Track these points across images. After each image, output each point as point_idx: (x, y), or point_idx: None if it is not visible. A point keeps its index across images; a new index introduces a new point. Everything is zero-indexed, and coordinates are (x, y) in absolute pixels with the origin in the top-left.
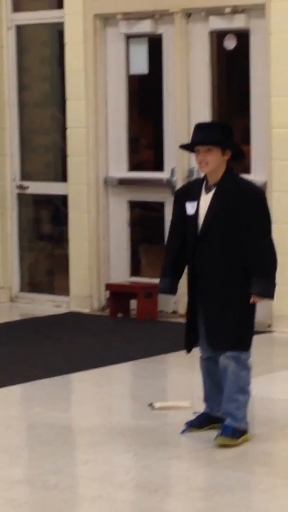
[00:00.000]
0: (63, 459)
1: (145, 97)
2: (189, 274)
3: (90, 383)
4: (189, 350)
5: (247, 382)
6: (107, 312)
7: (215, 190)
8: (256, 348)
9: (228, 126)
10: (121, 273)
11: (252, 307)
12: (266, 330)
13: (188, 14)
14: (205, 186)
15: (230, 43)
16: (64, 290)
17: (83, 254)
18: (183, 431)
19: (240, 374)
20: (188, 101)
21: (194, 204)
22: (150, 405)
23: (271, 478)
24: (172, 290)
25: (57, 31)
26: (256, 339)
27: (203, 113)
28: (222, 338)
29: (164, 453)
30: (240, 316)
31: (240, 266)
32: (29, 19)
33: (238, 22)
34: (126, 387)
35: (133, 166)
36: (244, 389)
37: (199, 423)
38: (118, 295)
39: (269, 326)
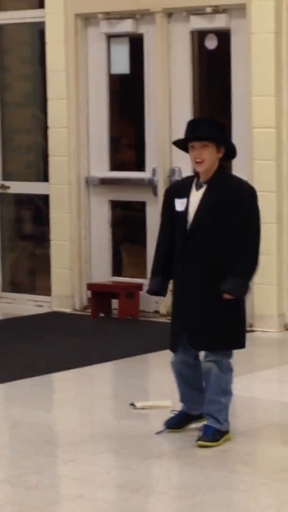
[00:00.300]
0: (44, 459)
1: (127, 96)
2: (176, 273)
3: (71, 383)
4: (175, 351)
5: (229, 383)
6: (88, 311)
7: (206, 187)
8: None
9: (221, 123)
10: (102, 273)
11: (238, 308)
12: (248, 329)
13: (169, 14)
14: (196, 183)
15: (211, 43)
16: (45, 290)
17: (64, 254)
18: (160, 432)
19: (223, 376)
20: (169, 100)
21: (184, 200)
22: (132, 404)
23: (252, 477)
24: (163, 291)
25: (38, 31)
26: None
27: (184, 113)
28: (206, 339)
29: (145, 453)
30: (229, 317)
31: (229, 265)
32: (10, 19)
33: (219, 22)
34: (107, 386)
35: (114, 166)
36: (226, 391)
37: (177, 423)
38: (99, 295)
39: (251, 325)
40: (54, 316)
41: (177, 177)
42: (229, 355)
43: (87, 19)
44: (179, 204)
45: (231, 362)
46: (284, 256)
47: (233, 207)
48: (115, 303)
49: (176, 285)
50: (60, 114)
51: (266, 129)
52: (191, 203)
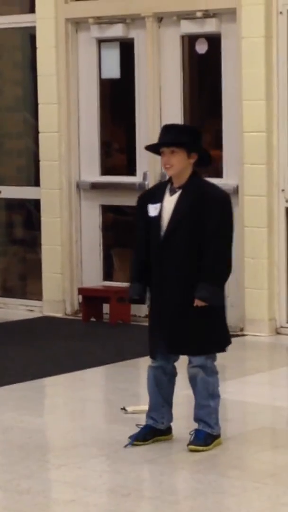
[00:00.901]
0: (36, 464)
1: (117, 101)
2: (153, 279)
3: (63, 388)
4: (154, 356)
5: (216, 386)
6: (80, 316)
7: (180, 193)
8: (229, 351)
9: (196, 129)
10: (93, 277)
11: (218, 311)
12: (239, 333)
13: (160, 18)
14: (170, 188)
15: (201, 47)
16: (36, 294)
17: (55, 258)
18: (127, 445)
19: (209, 380)
20: (160, 105)
21: (158, 205)
22: (123, 409)
23: (243, 481)
24: (143, 297)
25: (29, 36)
26: None
27: (175, 117)
28: (183, 344)
29: (136, 457)
30: (203, 321)
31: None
32: (1, 23)
33: (210, 26)
34: (98, 391)
35: (105, 170)
36: (213, 394)
37: (143, 436)
38: (90, 299)
39: (242, 329)
40: (46, 321)
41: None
42: (213, 358)
43: (78, 24)
44: (153, 210)
45: (215, 365)
46: (275, 260)
47: (206, 213)
48: (106, 307)
49: (152, 292)
50: (51, 119)
51: (257, 133)
52: (164, 208)
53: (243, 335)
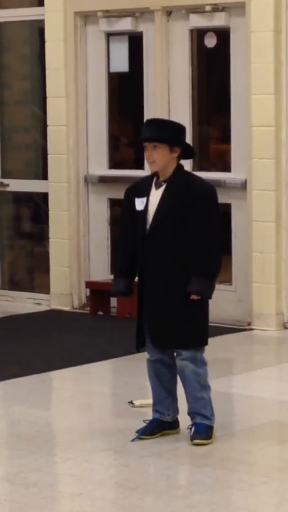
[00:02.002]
0: (43, 457)
1: (126, 95)
2: (139, 273)
3: (70, 381)
4: (138, 349)
5: (205, 376)
6: (87, 310)
7: (166, 186)
8: (236, 346)
9: (177, 124)
10: (101, 271)
11: (202, 304)
12: (246, 328)
13: (169, 12)
14: (155, 182)
15: (210, 41)
16: (44, 288)
17: (63, 252)
18: (134, 439)
19: (199, 372)
20: (168, 99)
21: (144, 199)
22: (130, 402)
23: (250, 476)
24: (128, 291)
25: (38, 29)
26: (236, 337)
27: (183, 111)
28: (170, 338)
29: (143, 451)
30: (190, 314)
31: (185, 266)
32: (9, 17)
33: (219, 20)
34: (106, 385)
35: (113, 164)
36: (205, 385)
37: (150, 430)
38: (98, 293)
39: (249, 324)
40: (53, 314)
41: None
42: (202, 350)
43: (87, 17)
44: (139, 203)
45: (204, 356)
46: (283, 255)
47: (191, 206)
48: (113, 301)
49: (139, 285)
50: (59, 112)
51: (265, 127)
52: (150, 202)
53: (250, 329)
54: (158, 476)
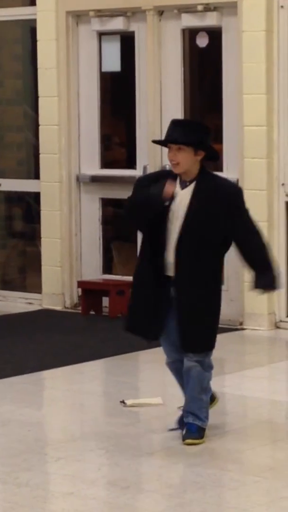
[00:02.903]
0: (35, 457)
1: (118, 94)
2: (152, 268)
3: (62, 381)
4: (151, 340)
5: (209, 380)
6: (79, 309)
7: (194, 188)
8: (228, 345)
9: (204, 126)
10: (93, 271)
11: (219, 309)
12: (238, 327)
13: (161, 12)
14: (180, 181)
15: (202, 41)
16: (36, 287)
17: (55, 251)
18: (174, 429)
19: (205, 375)
20: (160, 98)
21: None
22: (122, 402)
23: (242, 475)
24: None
25: (30, 28)
26: (228, 337)
27: (175, 111)
28: (196, 342)
29: (135, 450)
30: (210, 320)
31: (212, 268)
32: (1, 16)
33: (210, 20)
34: (98, 384)
35: (105, 164)
36: (206, 389)
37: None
38: (90, 293)
39: (241, 323)
40: (45, 314)
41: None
42: (211, 354)
43: (79, 16)
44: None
45: (212, 360)
46: (274, 254)
47: (225, 209)
48: (105, 300)
49: (153, 281)
50: (51, 112)
51: (257, 127)
52: (175, 201)
53: (242, 329)
54: (150, 475)
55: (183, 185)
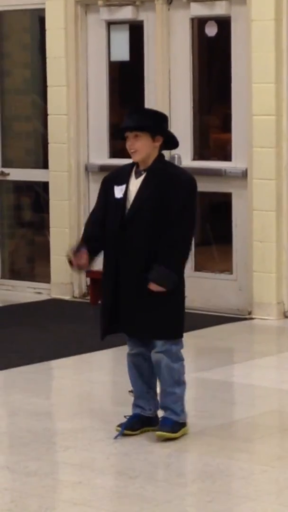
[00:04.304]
0: (43, 446)
1: (126, 84)
2: (109, 262)
3: (70, 370)
4: (103, 337)
5: (181, 373)
6: (87, 299)
7: (145, 176)
8: (237, 335)
9: (160, 112)
10: (101, 260)
11: (179, 296)
12: (247, 317)
13: (170, 1)
14: (136, 170)
15: (211, 30)
16: (45, 277)
17: (64, 241)
18: (116, 436)
19: (174, 366)
20: (169, 88)
21: (123, 187)
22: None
23: (251, 464)
24: (88, 263)
25: (38, 17)
26: (236, 326)
27: (184, 100)
28: (149, 328)
29: (144, 440)
30: (168, 306)
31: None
32: (10, 5)
33: (220, 9)
34: (106, 373)
35: (114, 153)
36: (179, 381)
37: (131, 425)
38: (98, 282)
39: (250, 313)
40: (53, 303)
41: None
42: (178, 344)
43: (87, 5)
44: (118, 191)
45: (181, 352)
46: (283, 244)
47: (170, 196)
48: None
49: (108, 274)
50: (60, 101)
51: (266, 116)
52: (129, 190)
53: (251, 318)
54: (159, 465)
55: (138, 174)
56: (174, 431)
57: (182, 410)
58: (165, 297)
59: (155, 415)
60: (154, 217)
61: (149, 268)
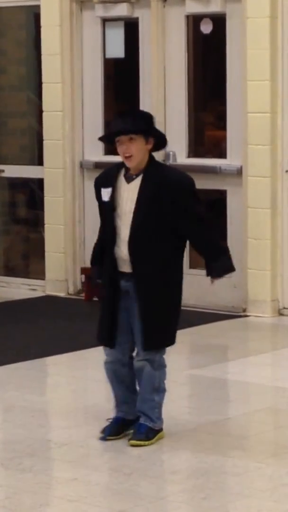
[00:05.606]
0: (38, 442)
1: (121, 81)
2: (108, 266)
3: (65, 367)
4: (112, 346)
5: (162, 380)
6: (82, 296)
7: (142, 181)
8: (231, 332)
9: (149, 114)
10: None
11: (180, 303)
12: (242, 314)
13: None
14: (125, 175)
15: (206, 27)
16: (39, 273)
17: (58, 237)
18: (103, 438)
19: (155, 374)
20: (164, 85)
21: (109, 190)
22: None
23: (245, 461)
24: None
25: (33, 14)
26: (231, 324)
27: (179, 97)
28: (157, 339)
29: None
30: (171, 315)
31: (171, 260)
32: (5, 2)
33: (215, 6)
34: (101, 370)
35: (109, 150)
36: (159, 389)
37: (115, 430)
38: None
39: (244, 310)
40: (48, 300)
41: (171, 162)
42: (162, 352)
43: (82, 2)
44: (105, 194)
45: (164, 359)
46: (278, 241)
47: (171, 200)
48: None
49: (112, 282)
50: (55, 98)
51: (261, 113)
52: (121, 196)
53: (245, 316)
54: (153, 462)
55: (130, 179)
56: (149, 438)
57: (158, 417)
58: (156, 308)
59: (136, 417)
60: (157, 224)
61: (150, 280)
